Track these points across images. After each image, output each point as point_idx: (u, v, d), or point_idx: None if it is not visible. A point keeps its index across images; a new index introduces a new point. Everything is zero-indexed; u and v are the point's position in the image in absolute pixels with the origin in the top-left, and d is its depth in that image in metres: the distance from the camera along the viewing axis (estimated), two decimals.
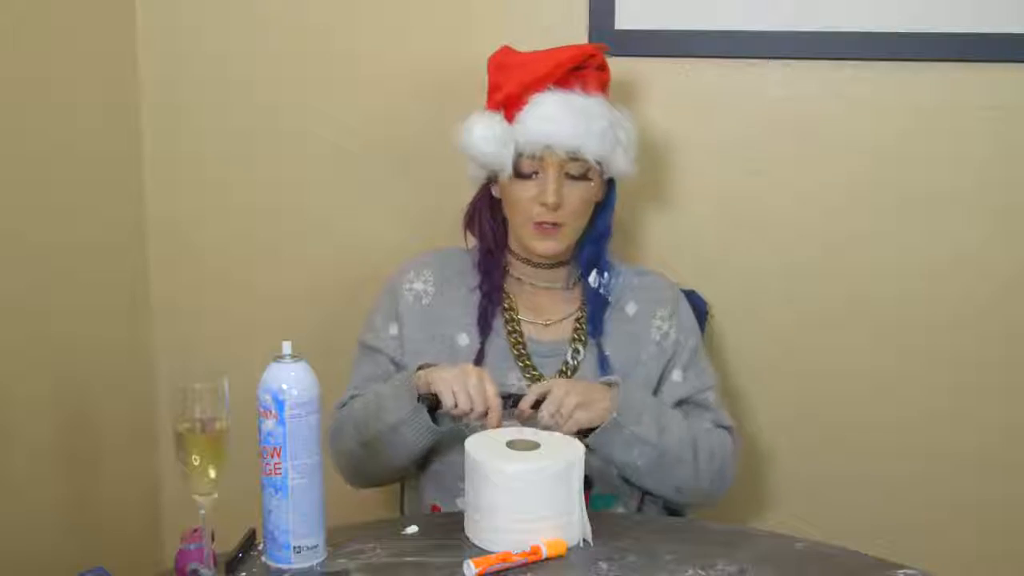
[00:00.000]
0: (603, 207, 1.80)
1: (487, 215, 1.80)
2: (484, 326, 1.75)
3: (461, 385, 1.58)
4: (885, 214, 1.97)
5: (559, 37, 1.93)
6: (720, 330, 2.02)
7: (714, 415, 1.77)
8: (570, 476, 1.46)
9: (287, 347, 1.42)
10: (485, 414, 1.58)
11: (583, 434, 1.61)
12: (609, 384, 1.67)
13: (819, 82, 1.95)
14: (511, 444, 1.49)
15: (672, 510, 1.82)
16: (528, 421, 1.61)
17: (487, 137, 1.71)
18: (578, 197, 1.71)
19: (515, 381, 1.73)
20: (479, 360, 1.73)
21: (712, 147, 2.00)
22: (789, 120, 1.97)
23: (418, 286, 1.79)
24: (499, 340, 1.76)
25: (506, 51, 1.79)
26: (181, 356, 2.21)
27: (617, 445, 1.64)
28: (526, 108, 1.70)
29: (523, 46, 1.80)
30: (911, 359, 1.99)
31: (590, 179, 1.72)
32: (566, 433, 1.57)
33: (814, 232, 2.00)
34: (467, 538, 1.48)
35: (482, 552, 1.42)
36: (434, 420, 1.63)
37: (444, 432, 1.65)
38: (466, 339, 1.75)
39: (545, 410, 1.60)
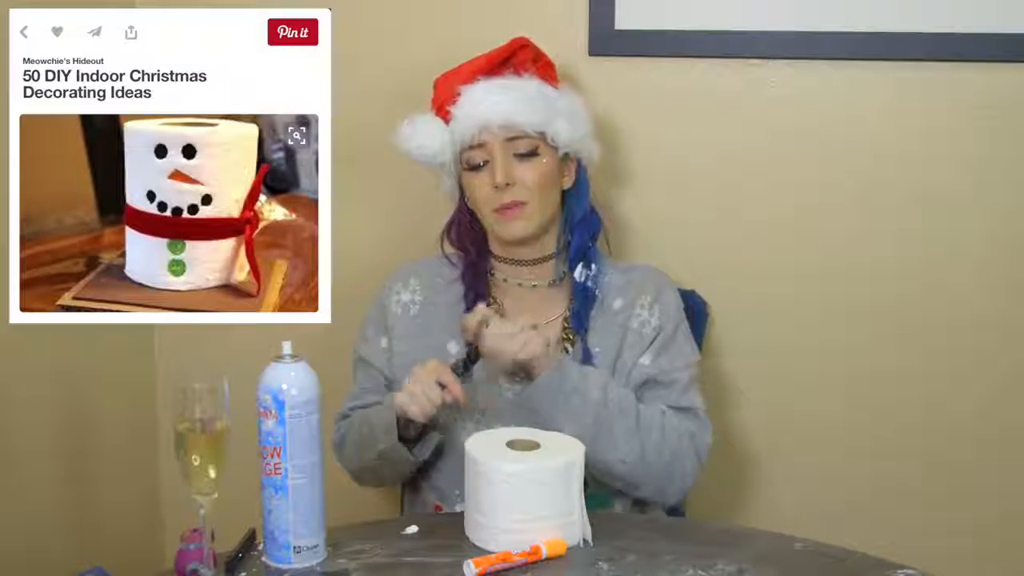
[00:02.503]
0: (576, 193, 1.79)
1: (466, 227, 1.80)
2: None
3: (416, 395, 1.61)
4: (885, 214, 1.97)
5: (559, 37, 1.93)
6: (720, 330, 2.02)
7: (677, 395, 1.72)
8: (570, 476, 1.46)
9: (287, 347, 1.42)
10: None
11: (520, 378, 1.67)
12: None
13: (819, 82, 1.95)
14: (511, 444, 1.49)
15: (671, 510, 1.82)
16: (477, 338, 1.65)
17: (411, 134, 1.76)
18: (532, 174, 1.72)
19: (506, 386, 1.73)
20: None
21: (712, 147, 2.00)
22: (789, 120, 1.97)
23: (405, 296, 1.79)
24: None
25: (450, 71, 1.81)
26: (181, 356, 2.21)
27: (559, 393, 1.64)
28: (458, 100, 1.73)
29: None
30: (910, 359, 1.99)
31: (540, 155, 1.73)
32: (513, 352, 1.63)
33: (814, 232, 2.00)
34: (467, 538, 1.48)
35: (482, 552, 1.42)
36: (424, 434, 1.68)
37: (425, 458, 1.69)
38: (456, 346, 1.75)
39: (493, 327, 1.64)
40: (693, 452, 1.70)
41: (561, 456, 1.47)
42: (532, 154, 1.72)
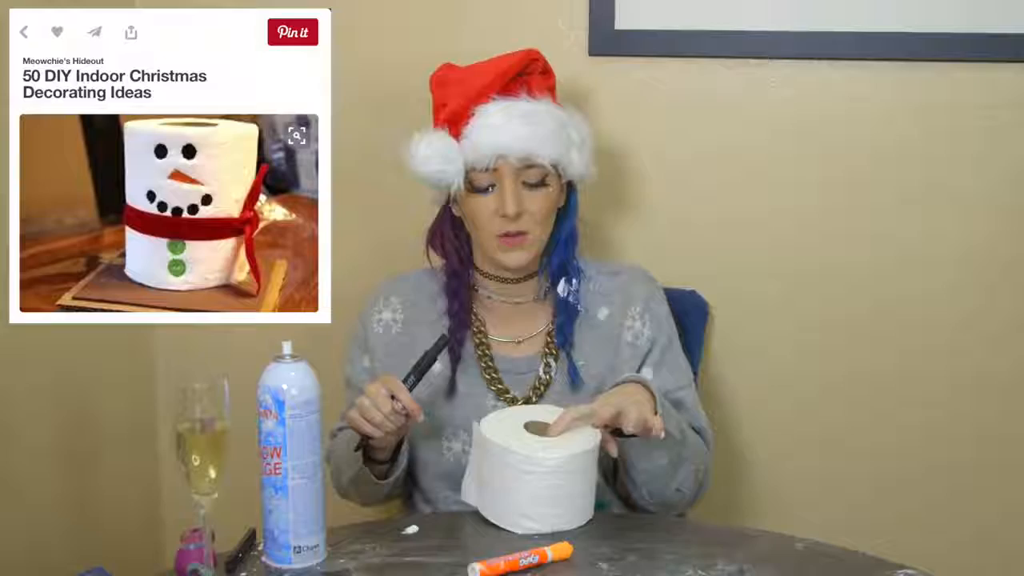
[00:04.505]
0: (565, 212, 1.76)
1: (450, 235, 1.76)
2: (455, 355, 1.72)
3: (366, 408, 1.56)
4: (885, 214, 1.97)
5: (559, 37, 1.93)
6: (720, 330, 2.02)
7: (689, 415, 1.72)
8: (590, 461, 1.49)
9: (287, 347, 1.42)
10: (408, 416, 1.56)
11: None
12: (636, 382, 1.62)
13: (819, 82, 1.95)
14: (527, 426, 1.52)
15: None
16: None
17: (429, 156, 1.69)
18: (539, 204, 1.68)
19: (491, 402, 1.72)
20: (452, 386, 1.72)
21: (712, 147, 2.00)
22: (789, 120, 1.97)
23: (386, 315, 1.77)
24: (470, 364, 1.74)
25: (447, 67, 1.76)
26: (181, 356, 2.21)
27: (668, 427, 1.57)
28: (472, 121, 1.67)
29: (522, 47, 1.80)
30: (910, 358, 1.99)
31: (548, 185, 1.69)
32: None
33: (814, 232, 2.00)
34: (467, 538, 1.48)
35: (483, 552, 1.42)
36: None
37: (397, 478, 1.66)
38: (438, 365, 1.70)
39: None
40: (710, 470, 1.72)
41: (577, 443, 1.49)
42: (541, 184, 1.68)
